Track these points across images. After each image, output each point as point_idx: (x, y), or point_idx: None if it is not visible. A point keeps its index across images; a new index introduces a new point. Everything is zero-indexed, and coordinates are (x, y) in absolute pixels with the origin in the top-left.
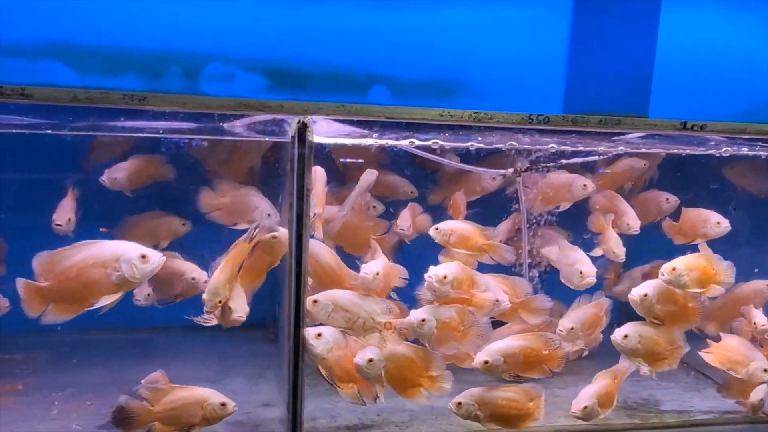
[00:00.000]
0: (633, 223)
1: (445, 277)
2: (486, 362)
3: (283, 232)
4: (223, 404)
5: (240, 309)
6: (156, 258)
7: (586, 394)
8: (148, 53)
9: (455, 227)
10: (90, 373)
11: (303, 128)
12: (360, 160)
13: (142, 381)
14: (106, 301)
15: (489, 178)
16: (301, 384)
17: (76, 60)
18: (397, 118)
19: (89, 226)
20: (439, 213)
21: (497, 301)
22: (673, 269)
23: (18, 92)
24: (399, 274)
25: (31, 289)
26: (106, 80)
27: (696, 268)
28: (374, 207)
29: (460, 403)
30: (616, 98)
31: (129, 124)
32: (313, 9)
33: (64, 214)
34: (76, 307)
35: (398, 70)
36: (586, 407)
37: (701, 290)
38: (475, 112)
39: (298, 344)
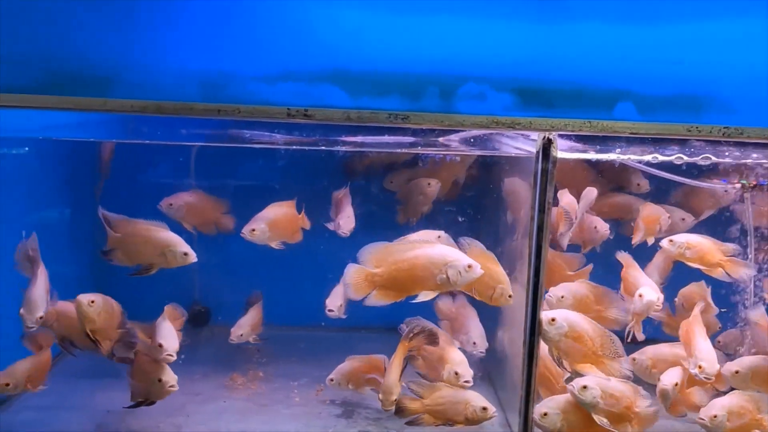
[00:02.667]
0: None
1: None
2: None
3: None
4: (484, 408)
5: (467, 374)
6: (477, 269)
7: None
8: (409, 76)
9: (692, 240)
10: (313, 365)
11: (548, 144)
12: None
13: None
14: (424, 297)
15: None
16: (534, 390)
17: (349, 84)
18: (643, 133)
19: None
20: None
21: None
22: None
23: (302, 113)
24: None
25: (363, 273)
26: (374, 101)
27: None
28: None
29: (716, 416)
30: None
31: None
32: (561, 29)
33: (252, 223)
34: (397, 296)
35: (644, 86)
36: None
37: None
38: (724, 127)
39: (533, 352)
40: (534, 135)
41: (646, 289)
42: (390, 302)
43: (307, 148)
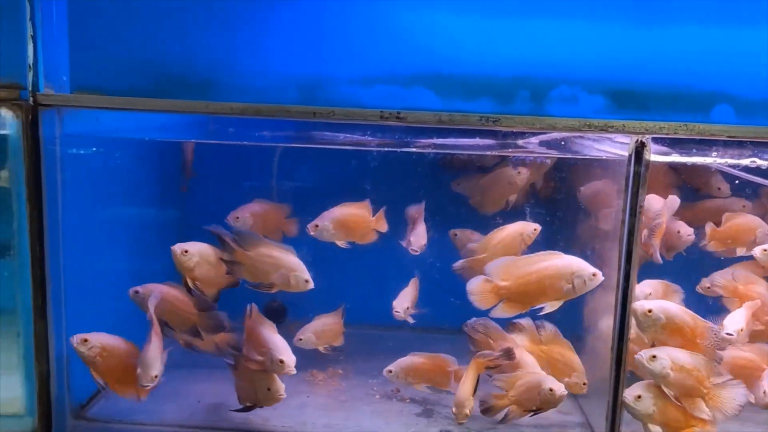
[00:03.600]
0: None
1: None
2: None
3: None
4: (551, 389)
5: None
6: (600, 277)
7: None
8: (500, 79)
9: None
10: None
11: (641, 147)
12: None
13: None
14: (550, 308)
15: None
16: (621, 395)
17: (440, 87)
18: (741, 137)
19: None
20: None
21: None
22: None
23: (394, 116)
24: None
25: (490, 285)
26: (465, 104)
27: None
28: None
29: None
30: None
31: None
32: (656, 31)
33: (317, 219)
34: (523, 307)
35: (744, 89)
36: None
37: None
38: None
39: (621, 357)
40: (620, 137)
41: (731, 318)
42: (515, 314)
43: (376, 149)
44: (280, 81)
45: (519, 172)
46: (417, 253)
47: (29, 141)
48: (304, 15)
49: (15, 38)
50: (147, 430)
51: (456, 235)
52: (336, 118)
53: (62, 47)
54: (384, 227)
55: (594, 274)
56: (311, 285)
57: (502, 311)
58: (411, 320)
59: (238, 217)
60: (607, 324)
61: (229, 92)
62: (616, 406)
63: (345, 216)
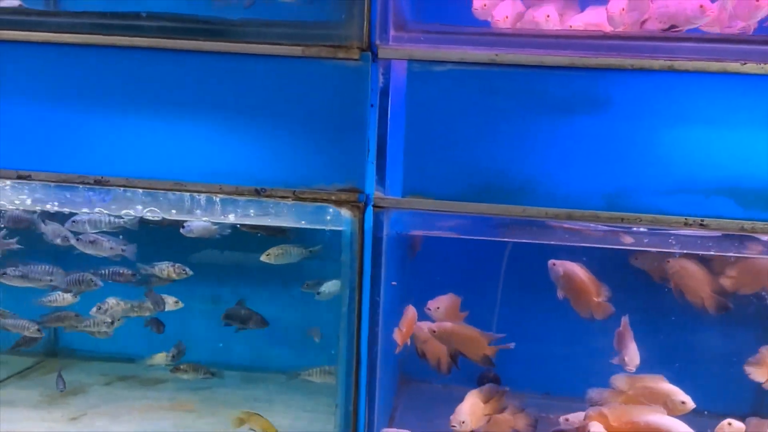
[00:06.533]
0: None
1: None
2: None
3: None
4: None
5: None
6: None
7: None
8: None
9: None
10: None
11: None
12: None
13: None
14: None
15: None
16: None
17: (740, 197)
18: None
19: None
20: None
21: None
22: None
23: (698, 223)
24: None
25: None
26: (765, 213)
27: None
28: None
29: None
30: None
31: None
32: None
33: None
34: None
35: None
36: None
37: None
38: None
39: None
40: None
41: None
42: None
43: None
44: (588, 190)
45: None
46: (633, 372)
47: (360, 237)
48: (610, 135)
49: (358, 152)
50: None
51: (636, 258)
52: (642, 224)
53: (397, 158)
54: (599, 317)
55: None
56: (689, 405)
57: None
58: None
59: (438, 307)
60: None
61: (542, 198)
62: None
63: (576, 277)
